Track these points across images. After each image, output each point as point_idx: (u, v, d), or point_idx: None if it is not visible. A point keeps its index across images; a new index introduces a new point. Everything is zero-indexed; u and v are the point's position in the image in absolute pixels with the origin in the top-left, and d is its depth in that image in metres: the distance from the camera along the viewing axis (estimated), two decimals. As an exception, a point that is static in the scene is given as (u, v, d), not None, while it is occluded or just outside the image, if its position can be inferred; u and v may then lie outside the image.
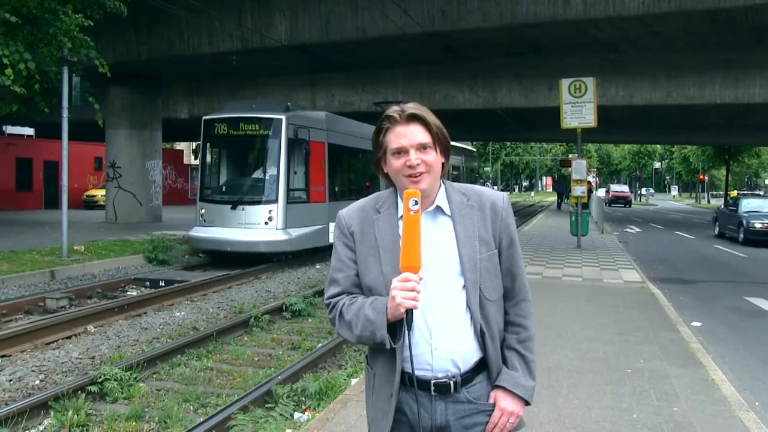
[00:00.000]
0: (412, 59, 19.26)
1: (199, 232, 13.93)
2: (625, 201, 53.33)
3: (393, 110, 1.86)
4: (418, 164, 1.80)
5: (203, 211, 14.00)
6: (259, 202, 13.59)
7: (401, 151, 1.82)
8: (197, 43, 16.86)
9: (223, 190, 14.35)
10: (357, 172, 18.51)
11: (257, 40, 15.86)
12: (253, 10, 15.93)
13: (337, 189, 16.25)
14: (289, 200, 13.64)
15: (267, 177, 13.79)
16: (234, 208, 13.48)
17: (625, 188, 59.79)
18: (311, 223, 14.40)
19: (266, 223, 13.31)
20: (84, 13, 12.06)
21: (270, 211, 13.36)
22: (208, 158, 14.72)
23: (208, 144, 14.65)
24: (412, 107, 1.85)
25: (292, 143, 13.66)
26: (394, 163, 1.83)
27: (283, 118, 13.60)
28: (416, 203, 1.71)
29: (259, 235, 13.32)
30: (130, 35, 17.32)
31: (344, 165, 17.28)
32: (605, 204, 49.07)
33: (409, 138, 1.81)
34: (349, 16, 15.22)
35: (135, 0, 12.76)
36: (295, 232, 13.72)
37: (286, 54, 16.83)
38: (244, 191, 13.83)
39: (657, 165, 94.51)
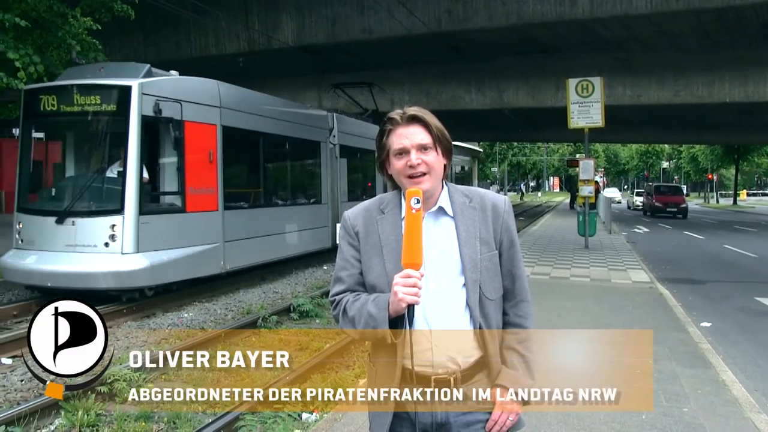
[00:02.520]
0: (418, 60, 19.25)
1: (12, 258, 9.52)
2: (677, 209, 34.46)
3: (395, 112, 1.94)
4: (418, 164, 1.86)
5: (20, 225, 9.58)
6: (95, 213, 9.24)
7: (402, 152, 1.88)
8: (204, 45, 16.93)
9: (50, 194, 9.96)
10: (282, 170, 13.90)
11: (264, 41, 15.90)
12: (260, 12, 15.98)
13: (239, 192, 11.86)
14: (147, 209, 9.44)
15: (110, 175, 9.53)
16: (60, 221, 9.11)
17: (678, 190, 39.05)
18: (189, 242, 9.97)
19: (107, 244, 9.00)
20: (92, 17, 12.13)
21: (113, 225, 9.03)
22: (30, 147, 10.04)
23: (31, 126, 10.00)
24: (413, 109, 1.92)
25: (151, 124, 9.47)
26: (397, 164, 1.90)
27: (134, 85, 9.28)
28: (418, 201, 1.77)
29: (95, 262, 8.98)
30: (137, 38, 17.40)
31: (256, 158, 12.48)
32: (645, 213, 36.92)
33: (410, 139, 1.88)
34: (355, 17, 15.23)
35: (142, 3, 12.80)
36: (158, 257, 9.39)
37: (293, 55, 16.88)
38: (74, 196, 9.37)
39: (665, 164, 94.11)
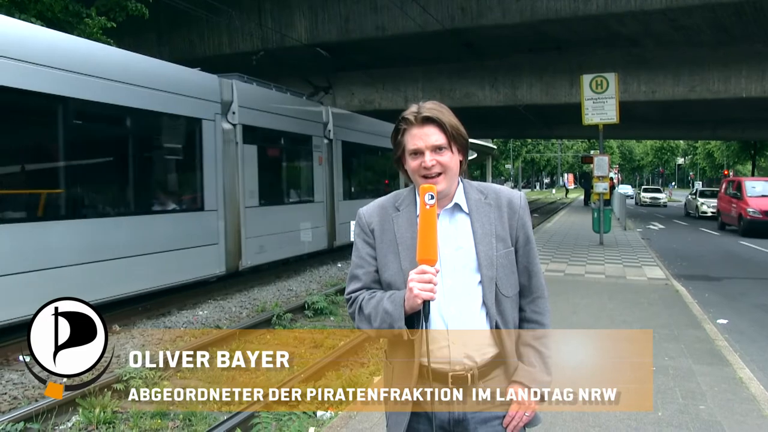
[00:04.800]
0: (432, 57, 19.20)
1: None
2: None
3: (409, 112, 1.92)
4: (433, 165, 1.86)
5: None
6: None
7: (417, 153, 1.88)
8: (218, 44, 16.98)
9: None
10: (114, 160, 8.98)
11: (277, 39, 15.92)
12: (273, 10, 16.00)
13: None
14: None
15: None
16: None
17: None
18: None
19: None
20: (107, 16, 12.21)
21: None
22: None
23: None
24: (427, 108, 1.90)
25: None
26: (412, 164, 1.90)
27: None
28: (432, 198, 1.77)
29: None
30: (151, 37, 17.47)
31: (48, 140, 7.94)
32: (724, 228, 23.25)
33: (424, 140, 1.87)
34: (368, 14, 15.21)
35: (156, 2, 12.87)
36: None
37: (306, 53, 16.87)
38: None
39: (680, 161, 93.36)
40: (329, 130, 15.05)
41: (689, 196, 34.33)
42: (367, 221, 1.98)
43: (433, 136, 1.87)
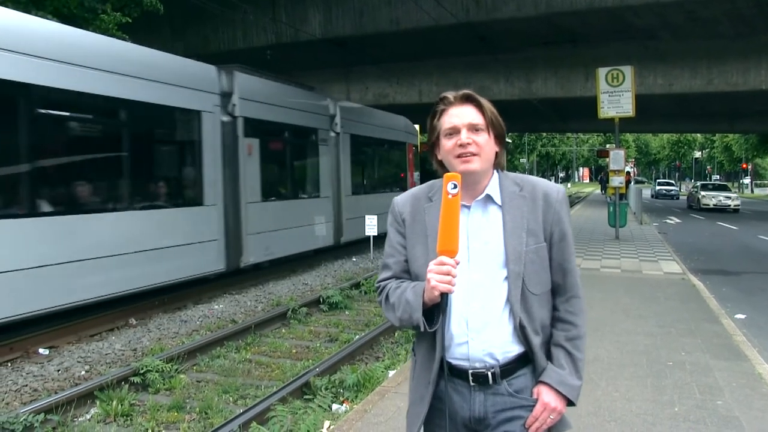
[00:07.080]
0: (446, 50, 19.15)
1: None
2: None
3: (448, 93, 1.89)
4: (469, 143, 1.79)
5: None
6: None
7: (453, 131, 1.82)
8: (232, 39, 17.03)
9: None
10: None
11: (291, 34, 15.95)
12: (287, 5, 16.02)
13: None
14: None
15: None
16: None
17: None
18: None
19: None
20: (122, 11, 12.30)
21: None
22: None
23: None
24: (467, 90, 1.88)
25: None
26: (446, 144, 1.83)
27: None
28: (455, 187, 1.68)
29: None
30: (165, 32, 17.55)
31: None
32: None
33: (461, 117, 1.82)
34: (382, 8, 15.19)
35: (171, -3, 12.94)
36: None
37: (320, 47, 16.87)
38: None
39: (697, 154, 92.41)
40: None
41: None
42: (399, 210, 1.95)
43: (471, 114, 1.83)
